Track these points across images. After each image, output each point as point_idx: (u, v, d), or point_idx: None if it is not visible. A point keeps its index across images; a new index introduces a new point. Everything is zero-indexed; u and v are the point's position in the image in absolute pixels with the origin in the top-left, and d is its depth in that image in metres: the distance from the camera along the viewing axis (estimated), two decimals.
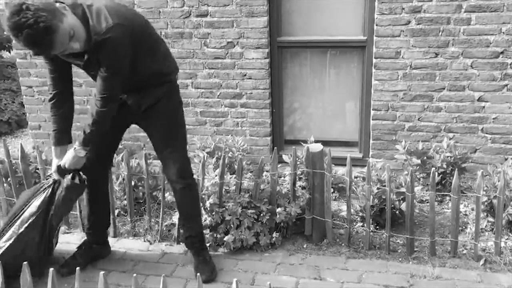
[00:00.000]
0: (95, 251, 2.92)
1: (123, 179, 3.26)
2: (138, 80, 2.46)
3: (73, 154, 2.48)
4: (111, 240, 3.13)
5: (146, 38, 2.42)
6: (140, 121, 2.69)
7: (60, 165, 2.54)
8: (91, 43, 2.22)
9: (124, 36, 2.23)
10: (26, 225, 2.59)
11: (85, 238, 2.95)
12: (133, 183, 3.27)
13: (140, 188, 3.38)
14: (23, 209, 2.63)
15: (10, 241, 2.59)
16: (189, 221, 2.80)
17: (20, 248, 2.59)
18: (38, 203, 2.60)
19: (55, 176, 2.60)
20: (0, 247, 2.59)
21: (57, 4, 2.16)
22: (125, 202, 3.25)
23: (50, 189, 2.61)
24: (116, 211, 3.30)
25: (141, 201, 3.40)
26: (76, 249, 2.91)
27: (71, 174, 2.55)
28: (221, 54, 3.99)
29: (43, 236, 2.64)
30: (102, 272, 1.81)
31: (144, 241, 3.14)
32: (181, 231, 2.93)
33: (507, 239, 2.93)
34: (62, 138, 2.59)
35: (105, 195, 2.94)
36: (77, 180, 2.55)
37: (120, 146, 3.84)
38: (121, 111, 2.51)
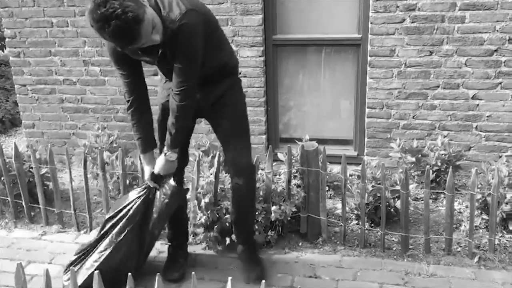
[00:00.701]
0: (185, 250, 2.89)
1: (118, 178, 3.24)
2: (207, 74, 2.38)
3: (164, 160, 2.44)
4: None
5: (216, 29, 2.37)
6: (209, 115, 2.63)
7: (153, 172, 2.51)
8: (166, 33, 2.14)
9: (198, 22, 2.17)
10: (124, 234, 2.54)
11: (169, 247, 2.88)
12: (127, 181, 3.26)
13: (135, 186, 3.36)
14: (118, 217, 2.57)
15: (108, 251, 2.54)
16: (247, 216, 2.74)
17: (119, 258, 2.54)
18: (135, 212, 2.55)
19: (151, 184, 2.56)
20: (98, 258, 2.54)
21: None
22: None
23: (146, 197, 2.56)
24: None
25: None
26: (169, 253, 2.85)
27: (171, 179, 2.54)
28: None
29: (141, 245, 2.60)
30: (96, 271, 1.81)
31: None
32: (233, 227, 2.83)
33: (501, 236, 2.95)
34: (148, 145, 2.55)
35: (185, 211, 2.89)
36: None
37: (115, 145, 3.84)
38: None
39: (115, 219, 2.58)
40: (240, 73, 2.60)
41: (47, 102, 4.44)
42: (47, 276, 1.78)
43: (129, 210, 2.56)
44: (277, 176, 3.35)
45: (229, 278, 1.70)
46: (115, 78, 4.22)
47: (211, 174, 3.05)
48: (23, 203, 3.35)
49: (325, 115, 4.19)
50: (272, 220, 3.00)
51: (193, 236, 3.05)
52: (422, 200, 3.37)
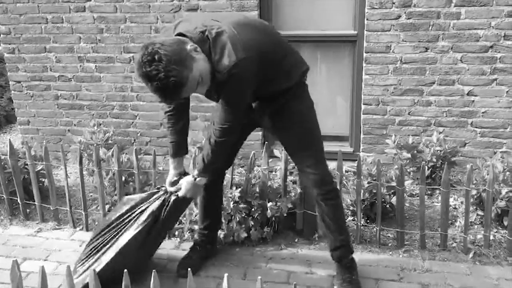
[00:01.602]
0: (208, 251, 2.85)
1: (114, 175, 3.24)
2: (258, 97, 2.33)
3: (192, 183, 2.40)
4: None
5: (271, 63, 2.21)
6: (267, 124, 2.51)
7: (175, 179, 2.49)
8: (214, 79, 2.09)
9: (249, 70, 2.08)
10: (135, 233, 2.49)
11: (196, 238, 2.87)
12: (123, 178, 3.25)
13: (131, 183, 3.36)
14: (130, 215, 2.54)
15: (117, 250, 2.48)
16: (334, 231, 2.53)
17: (129, 257, 2.50)
18: (149, 212, 2.50)
19: (170, 189, 2.52)
20: (107, 257, 2.49)
21: (189, 47, 2.01)
22: (116, 197, 3.23)
23: (162, 200, 2.52)
24: (107, 207, 3.29)
25: None
26: (189, 250, 2.83)
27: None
28: None
29: (145, 244, 2.55)
30: (92, 268, 1.80)
31: None
32: (327, 243, 2.62)
33: (496, 232, 2.96)
34: (180, 150, 2.53)
35: (221, 197, 2.85)
36: None
37: (110, 141, 3.83)
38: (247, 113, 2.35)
39: (125, 218, 2.54)
40: (305, 80, 2.45)
41: (42, 98, 4.43)
42: (42, 273, 1.78)
43: (143, 210, 2.52)
44: (273, 173, 3.35)
45: (225, 274, 1.70)
46: (111, 74, 4.21)
47: None
48: (19, 200, 3.34)
49: (321, 112, 4.16)
50: (268, 216, 3.00)
51: (189, 232, 3.05)
52: (417, 196, 3.38)
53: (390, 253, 2.87)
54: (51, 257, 2.93)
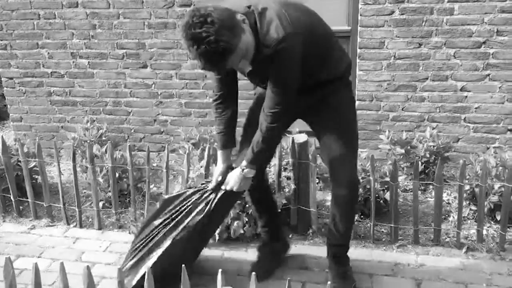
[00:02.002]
0: (277, 248, 2.74)
1: (107, 171, 3.23)
2: (302, 87, 2.20)
3: (240, 176, 2.30)
4: (95, 233, 3.12)
5: (319, 44, 2.15)
6: (306, 117, 2.43)
7: (220, 180, 2.40)
8: (259, 56, 2.01)
9: (297, 46, 2.00)
10: (181, 232, 2.42)
11: (262, 237, 2.76)
12: (117, 175, 3.24)
13: (125, 180, 3.35)
14: (173, 213, 2.46)
15: (163, 249, 2.42)
16: (340, 229, 2.47)
17: (177, 254, 2.43)
18: (197, 209, 2.42)
19: (212, 185, 2.42)
20: (152, 256, 2.43)
21: (238, 16, 1.95)
22: (110, 194, 3.23)
23: (208, 196, 2.44)
24: (101, 203, 3.28)
25: (126, 193, 3.37)
26: (258, 251, 2.74)
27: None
28: None
29: (193, 243, 2.49)
30: (86, 265, 1.80)
31: (129, 233, 3.12)
32: (328, 237, 2.59)
33: (489, 226, 2.98)
34: (228, 142, 2.43)
35: (269, 188, 2.75)
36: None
37: (104, 138, 3.81)
38: None
39: (170, 216, 2.46)
40: (349, 75, 2.36)
41: (35, 95, 4.40)
42: (36, 270, 1.77)
43: (188, 207, 2.44)
44: (267, 169, 3.35)
45: (219, 270, 1.70)
46: (104, 70, 4.19)
47: (201, 166, 3.04)
48: (12, 197, 3.32)
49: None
50: None
51: None
52: (411, 192, 3.39)
53: (384, 248, 2.88)
54: (44, 254, 2.92)
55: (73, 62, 4.23)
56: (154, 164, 3.84)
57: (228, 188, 2.36)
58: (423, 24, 3.61)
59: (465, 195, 2.98)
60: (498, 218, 2.91)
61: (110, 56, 4.15)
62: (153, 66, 4.10)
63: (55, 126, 4.45)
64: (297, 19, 2.03)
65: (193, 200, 2.45)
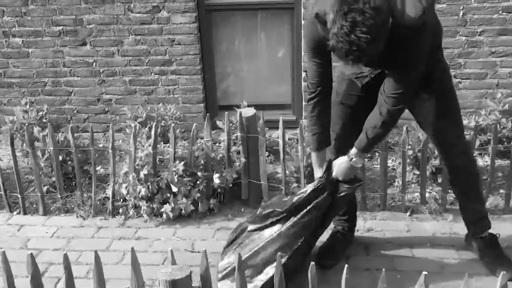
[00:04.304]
0: (348, 238, 2.63)
1: (50, 154, 3.10)
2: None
3: (348, 165, 2.19)
4: (40, 219, 3.02)
5: (438, 35, 2.07)
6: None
7: (325, 175, 2.26)
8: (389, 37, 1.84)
9: (433, 19, 1.90)
10: (300, 230, 2.29)
11: (337, 226, 2.63)
12: (60, 158, 3.12)
13: (69, 162, 3.23)
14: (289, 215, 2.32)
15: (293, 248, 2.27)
16: (474, 201, 2.40)
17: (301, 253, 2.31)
18: (310, 210, 2.28)
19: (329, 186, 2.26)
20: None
21: None
22: (54, 178, 3.11)
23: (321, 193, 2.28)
24: (45, 188, 3.17)
25: (71, 176, 3.26)
26: (330, 238, 2.60)
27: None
28: (147, 19, 3.83)
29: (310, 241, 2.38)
30: (30, 252, 1.73)
31: (77, 217, 3.04)
32: (464, 217, 2.49)
33: (431, 189, 3.11)
34: (324, 142, 2.29)
35: None
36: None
37: (44, 120, 3.65)
38: (380, 86, 2.12)
39: (284, 214, 2.33)
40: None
41: None
42: None
43: (301, 208, 2.30)
44: (217, 144, 3.33)
45: (169, 249, 1.69)
46: (40, 49, 3.98)
47: (149, 145, 2.98)
48: None
49: (263, 81, 4.18)
50: (214, 188, 3.00)
51: (134, 209, 2.99)
52: None
53: None
54: None
55: (6, 41, 3.98)
56: (100, 145, 3.73)
57: (334, 177, 2.25)
58: None
59: (408, 160, 3.09)
60: (440, 180, 3.03)
61: (45, 33, 3.94)
62: (93, 43, 3.93)
63: None
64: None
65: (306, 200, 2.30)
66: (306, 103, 2.28)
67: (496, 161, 2.92)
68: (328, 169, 2.28)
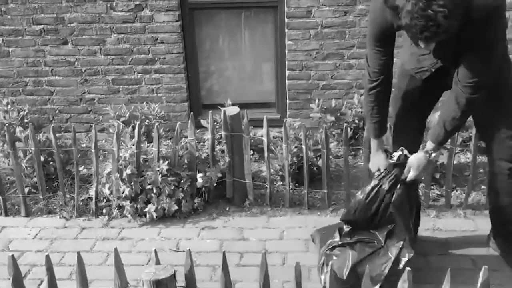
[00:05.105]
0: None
1: (32, 155, 3.05)
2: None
3: (426, 160, 2.12)
4: (22, 220, 2.97)
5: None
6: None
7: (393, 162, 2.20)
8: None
9: (504, 3, 1.85)
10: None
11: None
12: (43, 158, 3.08)
13: (51, 163, 3.19)
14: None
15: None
16: (507, 214, 2.31)
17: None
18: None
19: (408, 177, 2.18)
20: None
21: None
22: (36, 179, 3.06)
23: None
24: (26, 189, 3.12)
25: (53, 177, 3.22)
26: None
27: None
28: (129, 17, 3.79)
29: None
30: (11, 254, 1.70)
31: (60, 217, 3.00)
32: (490, 215, 2.45)
33: None
34: (383, 129, 2.29)
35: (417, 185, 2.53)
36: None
37: (26, 120, 3.60)
38: (442, 80, 2.12)
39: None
40: None
41: None
42: None
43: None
44: (202, 143, 3.32)
45: (153, 249, 1.68)
46: (20, 48, 3.92)
47: (132, 145, 2.96)
48: None
49: (247, 79, 4.17)
50: (198, 187, 2.99)
51: (118, 209, 2.97)
52: (343, 157, 3.49)
53: (319, 213, 2.97)
54: None
55: None
56: (83, 145, 3.68)
57: (412, 177, 2.18)
58: None
59: None
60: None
61: (26, 32, 3.88)
62: (75, 42, 3.88)
63: None
64: None
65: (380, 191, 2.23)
66: (366, 91, 2.24)
67: (477, 157, 2.96)
68: (401, 165, 2.21)
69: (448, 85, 2.12)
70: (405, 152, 2.22)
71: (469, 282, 2.19)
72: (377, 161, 2.31)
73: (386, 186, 2.21)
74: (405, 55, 2.31)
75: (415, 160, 2.17)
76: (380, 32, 2.09)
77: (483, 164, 3.21)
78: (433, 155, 2.15)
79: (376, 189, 2.24)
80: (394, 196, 2.20)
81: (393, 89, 2.31)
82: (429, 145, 2.14)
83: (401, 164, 2.21)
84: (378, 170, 2.29)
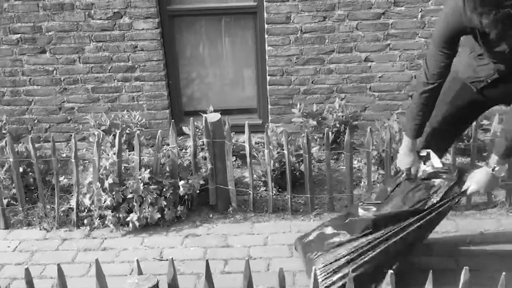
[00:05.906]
0: None
1: (10, 166, 3.00)
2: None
3: (489, 176, 2.06)
4: (1, 233, 2.91)
5: None
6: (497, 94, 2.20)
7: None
8: None
9: None
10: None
11: None
12: (21, 169, 3.03)
13: (30, 174, 3.14)
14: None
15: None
16: None
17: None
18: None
19: (468, 191, 2.15)
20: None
21: None
22: (14, 190, 3.01)
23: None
24: (5, 201, 3.06)
25: (33, 188, 3.16)
26: None
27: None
28: (108, 25, 3.76)
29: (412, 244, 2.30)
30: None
31: (40, 229, 2.95)
32: None
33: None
34: (421, 132, 2.27)
35: None
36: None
37: (3, 131, 3.53)
38: (493, 92, 2.09)
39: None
40: None
41: None
42: None
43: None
44: (184, 150, 3.30)
45: (135, 259, 1.66)
46: None
47: (113, 153, 2.93)
48: None
49: (229, 85, 4.17)
50: (181, 194, 2.97)
51: (99, 219, 2.93)
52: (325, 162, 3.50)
53: (302, 218, 2.97)
54: None
55: None
56: (63, 155, 3.63)
57: (473, 190, 2.15)
58: None
59: (373, 160, 3.14)
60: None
61: (3, 42, 3.82)
62: (53, 51, 3.83)
63: None
64: None
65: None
66: (418, 93, 2.20)
67: (457, 158, 3.00)
68: (458, 179, 2.21)
69: (499, 98, 2.13)
70: (432, 155, 2.27)
71: (452, 283, 2.22)
72: (409, 162, 2.32)
73: (435, 199, 2.22)
74: (460, 63, 2.26)
75: (478, 173, 2.15)
76: (453, 34, 2.04)
77: (462, 165, 3.25)
78: (497, 169, 2.09)
79: (424, 200, 2.25)
80: (445, 206, 2.20)
81: None
82: (492, 159, 2.09)
83: (436, 173, 2.25)
84: (408, 170, 2.32)
